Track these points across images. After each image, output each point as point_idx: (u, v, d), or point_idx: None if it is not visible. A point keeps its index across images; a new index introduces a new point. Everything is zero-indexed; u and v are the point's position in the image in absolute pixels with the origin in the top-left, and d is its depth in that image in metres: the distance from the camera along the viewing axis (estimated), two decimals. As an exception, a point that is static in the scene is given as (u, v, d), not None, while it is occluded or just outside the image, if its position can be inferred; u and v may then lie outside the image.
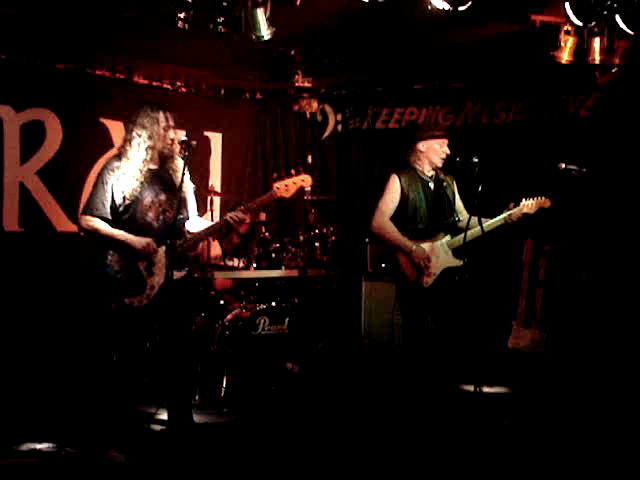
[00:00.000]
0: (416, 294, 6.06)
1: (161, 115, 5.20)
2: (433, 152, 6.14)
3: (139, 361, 5.41)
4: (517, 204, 6.12)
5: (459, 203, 6.37)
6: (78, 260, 7.69)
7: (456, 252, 6.14)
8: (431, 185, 6.24)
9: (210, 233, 5.57)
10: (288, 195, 5.34)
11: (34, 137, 7.73)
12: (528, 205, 6.10)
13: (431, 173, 6.25)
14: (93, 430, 5.66)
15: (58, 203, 7.87)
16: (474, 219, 5.79)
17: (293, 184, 5.32)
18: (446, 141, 6.16)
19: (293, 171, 5.37)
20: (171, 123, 5.23)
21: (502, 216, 6.09)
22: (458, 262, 6.12)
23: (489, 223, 6.03)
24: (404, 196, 6.13)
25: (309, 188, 5.47)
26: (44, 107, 7.78)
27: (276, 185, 5.31)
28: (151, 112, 5.20)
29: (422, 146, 6.17)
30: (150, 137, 5.17)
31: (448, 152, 6.11)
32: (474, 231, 5.90)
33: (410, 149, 6.26)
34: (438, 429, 5.74)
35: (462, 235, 5.90)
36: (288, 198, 5.40)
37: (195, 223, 5.51)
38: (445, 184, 6.28)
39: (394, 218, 6.15)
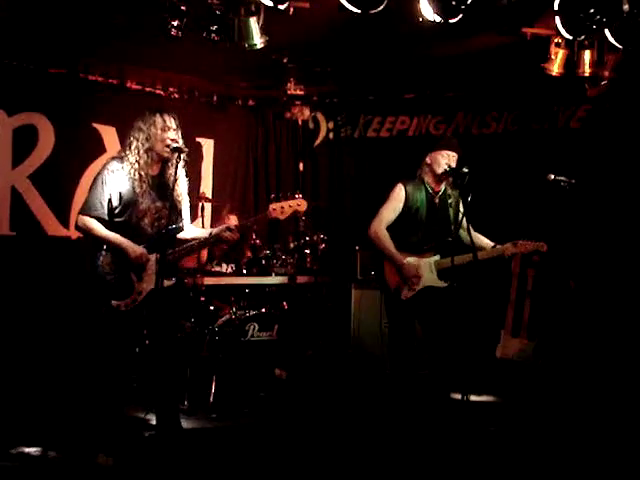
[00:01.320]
0: (399, 302, 6.06)
1: (158, 117, 5.21)
2: (437, 164, 6.07)
3: (128, 365, 5.43)
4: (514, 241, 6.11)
5: (463, 221, 6.10)
6: (69, 264, 7.73)
7: (441, 273, 6.11)
8: (436, 200, 6.20)
9: (200, 247, 5.59)
10: (282, 217, 5.39)
11: (26, 141, 7.75)
12: (525, 245, 6.09)
13: (440, 188, 6.20)
14: (82, 434, 5.66)
15: (50, 207, 7.88)
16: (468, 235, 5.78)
17: (289, 207, 5.38)
18: (452, 154, 6.08)
19: (290, 194, 5.45)
20: (169, 125, 5.21)
21: (497, 250, 6.11)
22: (441, 283, 6.10)
23: (482, 253, 6.03)
24: (406, 206, 6.11)
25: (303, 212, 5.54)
26: (37, 111, 7.79)
27: (272, 206, 5.37)
28: (148, 114, 5.24)
29: (428, 159, 6.15)
30: (147, 139, 5.18)
31: (452, 165, 6.02)
32: (464, 257, 5.89)
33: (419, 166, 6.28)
34: (424, 436, 5.77)
35: (449, 258, 5.89)
36: (282, 220, 5.47)
37: (189, 231, 5.54)
38: (450, 200, 6.22)
39: (392, 226, 6.16)
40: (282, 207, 5.37)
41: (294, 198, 5.42)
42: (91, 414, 5.79)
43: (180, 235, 5.47)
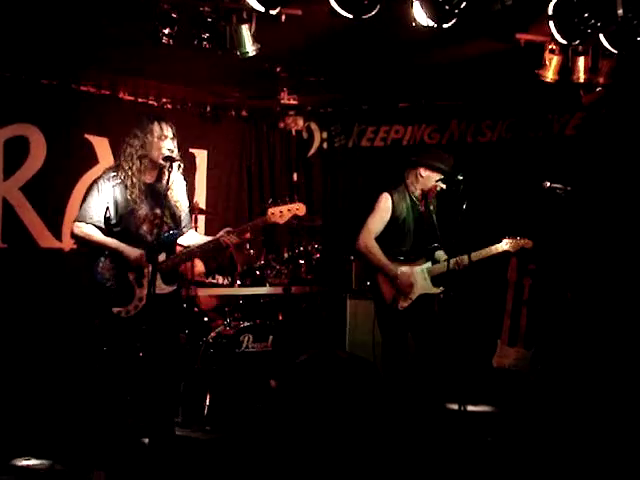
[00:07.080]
0: (393, 314, 6.05)
1: (155, 125, 5.15)
2: (430, 182, 6.12)
3: (127, 375, 5.35)
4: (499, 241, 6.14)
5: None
6: (61, 276, 7.69)
7: (435, 279, 6.11)
8: (420, 208, 6.21)
9: (199, 253, 5.53)
10: (281, 222, 5.32)
11: (18, 153, 7.69)
12: (511, 243, 6.10)
13: (422, 196, 6.23)
14: (78, 445, 5.61)
15: (41, 219, 7.82)
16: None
17: (287, 211, 5.31)
18: (439, 177, 6.10)
19: (287, 198, 5.39)
20: (166, 133, 5.16)
21: (486, 251, 6.10)
22: (436, 290, 6.10)
23: (475, 254, 6.00)
24: (394, 216, 6.11)
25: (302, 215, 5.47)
26: (28, 122, 7.74)
27: (270, 211, 5.29)
28: (145, 122, 5.19)
29: (424, 172, 6.14)
30: (142, 146, 5.12)
31: (443, 187, 6.08)
32: (459, 259, 5.86)
33: (411, 167, 6.23)
34: (421, 446, 5.72)
35: (443, 264, 5.89)
36: (280, 225, 5.42)
37: (190, 237, 5.51)
38: (432, 208, 6.25)
39: (380, 236, 6.13)
40: (280, 211, 5.30)
41: (293, 202, 5.36)
42: (88, 424, 5.75)
43: (181, 241, 5.44)
